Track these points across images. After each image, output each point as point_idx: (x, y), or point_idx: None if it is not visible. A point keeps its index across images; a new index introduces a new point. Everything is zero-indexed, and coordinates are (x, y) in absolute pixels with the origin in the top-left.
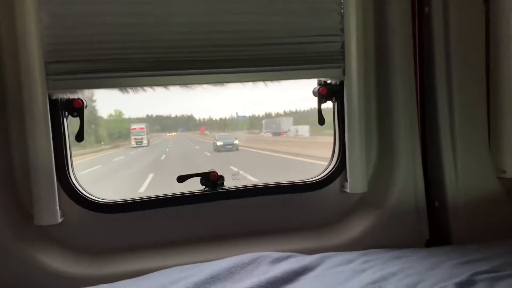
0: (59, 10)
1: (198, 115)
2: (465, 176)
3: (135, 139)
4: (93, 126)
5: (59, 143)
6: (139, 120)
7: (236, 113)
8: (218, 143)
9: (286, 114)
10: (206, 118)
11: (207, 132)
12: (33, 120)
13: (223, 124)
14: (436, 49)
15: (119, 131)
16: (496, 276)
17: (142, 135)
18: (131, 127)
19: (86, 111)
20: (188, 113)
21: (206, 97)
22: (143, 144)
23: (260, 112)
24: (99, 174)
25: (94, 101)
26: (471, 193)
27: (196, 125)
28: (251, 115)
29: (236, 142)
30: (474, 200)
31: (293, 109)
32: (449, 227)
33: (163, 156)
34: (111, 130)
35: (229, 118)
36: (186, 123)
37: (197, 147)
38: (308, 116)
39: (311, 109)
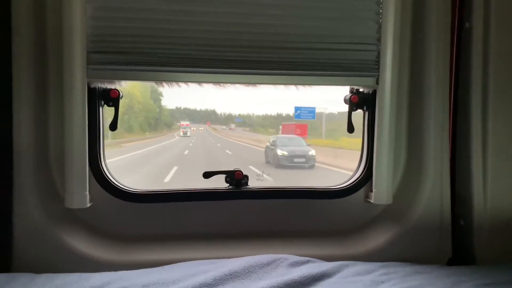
0: (104, 3)
1: (220, 110)
2: (494, 196)
3: (182, 131)
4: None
5: (93, 130)
6: (171, 112)
7: (236, 116)
8: (280, 153)
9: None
10: (227, 113)
11: (214, 126)
12: (72, 107)
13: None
14: (474, 66)
15: (164, 122)
16: None
17: (188, 129)
18: (180, 123)
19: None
20: (211, 108)
21: (231, 93)
22: (187, 135)
23: (272, 112)
24: (173, 143)
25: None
26: (499, 213)
27: (217, 119)
28: (264, 114)
29: (312, 153)
30: (501, 221)
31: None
32: (473, 246)
33: (194, 138)
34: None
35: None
36: (209, 116)
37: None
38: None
39: (318, 112)
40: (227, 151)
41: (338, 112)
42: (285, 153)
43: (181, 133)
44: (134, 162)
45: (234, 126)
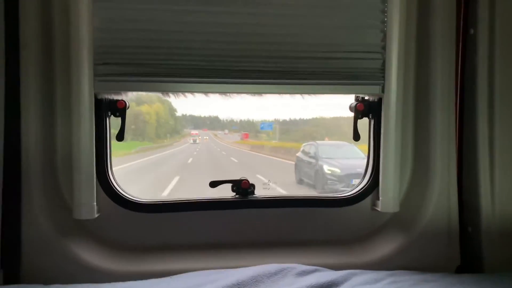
0: (111, 15)
1: (222, 116)
2: (502, 202)
3: (192, 139)
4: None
5: (100, 141)
6: (178, 119)
7: (237, 122)
8: (328, 170)
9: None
10: (229, 119)
11: (215, 132)
12: (79, 118)
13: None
14: (480, 72)
15: (175, 130)
16: None
17: (196, 137)
18: (191, 132)
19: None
20: (214, 114)
21: (235, 101)
22: (196, 142)
23: (271, 118)
24: (187, 146)
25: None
26: (507, 220)
27: (220, 125)
28: (263, 119)
29: None
30: (510, 227)
31: (293, 117)
32: (482, 254)
33: (200, 143)
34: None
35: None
36: (212, 123)
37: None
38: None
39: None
40: (214, 145)
41: (290, 119)
42: (337, 170)
43: (191, 141)
44: (188, 147)
45: (227, 131)
